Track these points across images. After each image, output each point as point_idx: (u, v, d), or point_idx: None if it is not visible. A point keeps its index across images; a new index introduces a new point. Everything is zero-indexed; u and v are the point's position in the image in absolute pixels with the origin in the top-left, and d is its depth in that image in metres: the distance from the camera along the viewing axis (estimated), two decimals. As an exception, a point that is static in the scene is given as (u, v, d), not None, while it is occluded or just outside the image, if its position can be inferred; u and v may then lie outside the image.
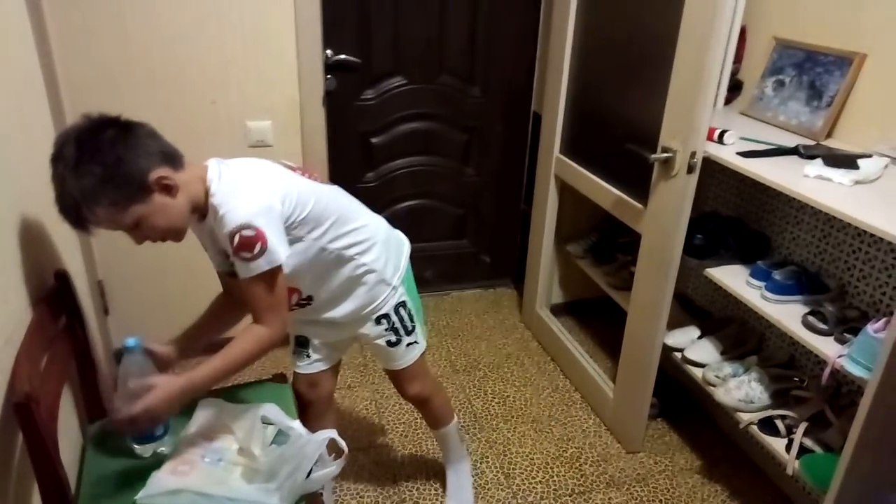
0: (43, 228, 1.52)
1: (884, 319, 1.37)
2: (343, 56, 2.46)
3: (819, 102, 1.83)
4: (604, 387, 2.24)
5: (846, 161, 1.54)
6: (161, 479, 1.25)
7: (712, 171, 2.11)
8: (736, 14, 1.91)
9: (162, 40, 2.03)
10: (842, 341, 1.48)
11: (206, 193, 1.22)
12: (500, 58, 2.66)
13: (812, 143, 1.78)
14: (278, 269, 1.22)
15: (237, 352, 1.24)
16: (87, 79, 2.00)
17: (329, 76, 2.39)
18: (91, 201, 1.10)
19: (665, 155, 1.73)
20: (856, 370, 1.38)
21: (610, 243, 2.53)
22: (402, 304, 1.53)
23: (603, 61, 2.13)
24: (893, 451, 1.41)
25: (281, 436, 1.35)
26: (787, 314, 1.61)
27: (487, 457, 2.08)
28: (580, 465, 2.06)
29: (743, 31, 2.09)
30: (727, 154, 1.70)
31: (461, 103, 2.71)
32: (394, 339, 1.54)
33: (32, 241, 1.44)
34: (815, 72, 1.85)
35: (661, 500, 1.93)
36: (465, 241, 3.02)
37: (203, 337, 1.46)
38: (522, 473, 2.02)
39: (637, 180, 1.90)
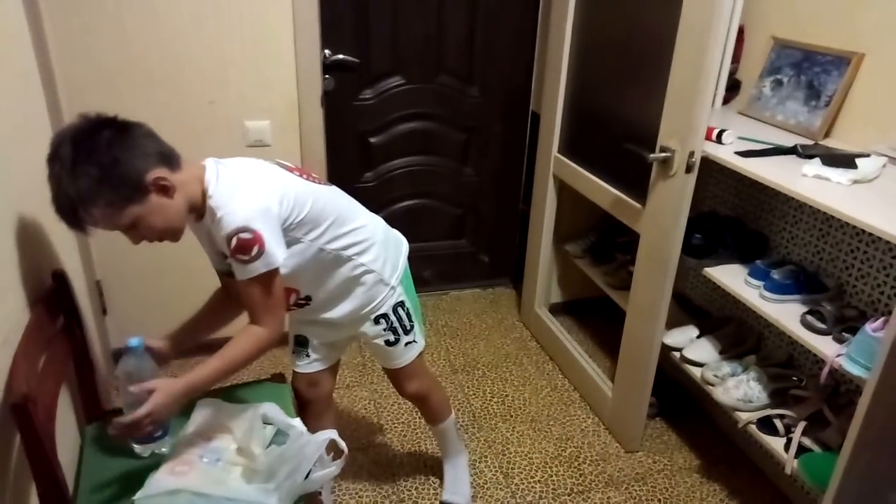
0: (40, 228, 1.52)
1: (882, 319, 1.37)
2: (341, 56, 2.45)
3: (817, 102, 1.83)
4: (602, 386, 2.24)
5: (844, 160, 1.54)
6: (159, 480, 1.25)
7: (711, 171, 2.12)
8: (734, 14, 1.91)
9: (160, 40, 2.03)
10: (840, 340, 1.48)
11: (204, 194, 1.21)
12: (498, 57, 2.66)
13: (810, 142, 1.78)
14: (275, 271, 1.22)
15: (235, 352, 1.24)
16: (85, 78, 2.00)
17: (327, 76, 2.39)
18: (87, 202, 1.10)
19: (663, 154, 1.73)
20: (854, 369, 1.38)
21: (608, 243, 2.53)
22: (401, 303, 1.53)
23: (601, 61, 2.13)
24: (892, 450, 1.41)
25: (280, 436, 1.35)
26: (786, 313, 1.61)
27: (486, 456, 2.08)
28: (579, 465, 2.06)
29: (741, 31, 2.09)
30: (725, 153, 1.70)
31: (460, 103, 2.71)
32: (392, 338, 1.54)
33: (30, 240, 1.43)
34: (813, 71, 1.85)
35: (659, 500, 1.93)
36: (463, 241, 3.02)
37: (200, 332, 1.46)
38: (521, 473, 2.02)
39: (636, 180, 1.90)
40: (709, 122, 1.70)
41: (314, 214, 1.31)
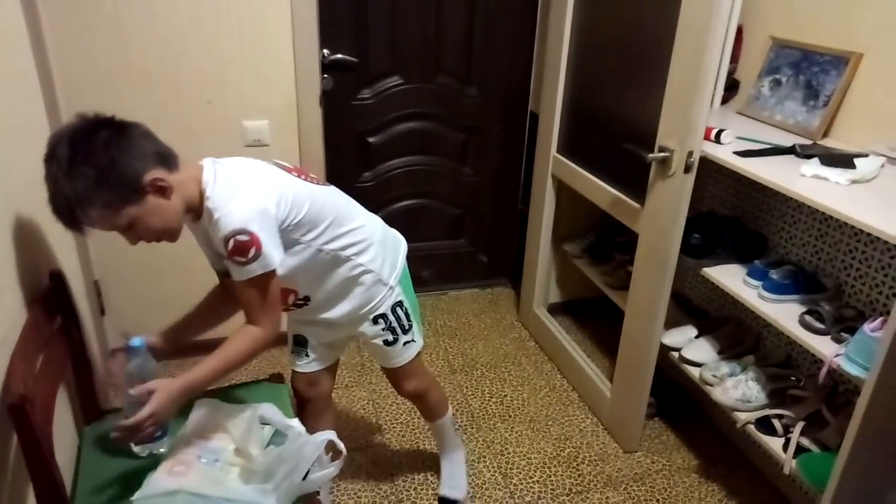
0: (38, 228, 1.51)
1: (880, 319, 1.37)
2: (340, 55, 2.45)
3: (816, 102, 1.83)
4: (601, 386, 2.24)
5: (843, 160, 1.54)
6: (157, 480, 1.25)
7: (709, 171, 2.12)
8: (732, 13, 1.91)
9: (158, 39, 2.02)
10: (838, 340, 1.48)
11: (202, 195, 1.21)
12: (497, 57, 2.66)
13: (809, 142, 1.78)
14: (272, 272, 1.22)
15: (231, 352, 1.25)
16: (83, 78, 1.99)
17: (326, 75, 2.39)
18: (84, 203, 1.10)
19: (662, 154, 1.73)
20: (852, 369, 1.38)
21: (607, 243, 2.53)
22: (400, 303, 1.53)
23: (600, 61, 2.13)
24: (890, 450, 1.41)
25: (278, 436, 1.34)
26: (784, 313, 1.61)
27: (485, 456, 2.07)
28: (577, 465, 2.06)
29: (739, 31, 2.09)
30: (724, 153, 1.70)
31: (458, 103, 2.71)
32: (391, 338, 1.54)
33: (27, 240, 1.43)
34: (811, 71, 1.85)
35: (658, 500, 1.93)
36: (462, 241, 3.02)
37: (196, 329, 1.46)
38: (520, 473, 2.02)
39: (634, 180, 1.90)
40: (707, 122, 1.70)
41: (312, 215, 1.31)
